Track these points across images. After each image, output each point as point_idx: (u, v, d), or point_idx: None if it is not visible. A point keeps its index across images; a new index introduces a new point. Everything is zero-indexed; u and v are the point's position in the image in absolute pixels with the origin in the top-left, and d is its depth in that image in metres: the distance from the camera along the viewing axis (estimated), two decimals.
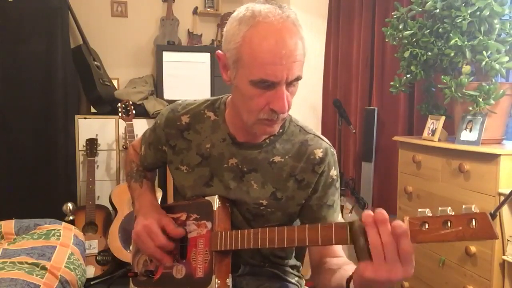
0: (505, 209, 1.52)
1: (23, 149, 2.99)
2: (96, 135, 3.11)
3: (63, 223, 1.77)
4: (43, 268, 1.42)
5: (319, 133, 1.10)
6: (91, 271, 2.64)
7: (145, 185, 1.22)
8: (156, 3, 3.68)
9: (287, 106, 0.90)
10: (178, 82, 3.36)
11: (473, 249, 1.61)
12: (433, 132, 1.90)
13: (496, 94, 1.63)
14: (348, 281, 0.83)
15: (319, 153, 1.05)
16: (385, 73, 2.57)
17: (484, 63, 1.61)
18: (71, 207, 2.87)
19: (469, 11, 1.62)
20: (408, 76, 2.00)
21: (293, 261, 1.22)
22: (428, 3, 1.80)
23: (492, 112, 1.69)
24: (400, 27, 1.97)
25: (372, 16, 2.69)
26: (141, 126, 3.12)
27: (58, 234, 1.65)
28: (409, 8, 1.95)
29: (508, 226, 1.53)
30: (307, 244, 0.83)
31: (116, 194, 2.87)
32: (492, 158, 1.55)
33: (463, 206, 0.67)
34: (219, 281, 0.98)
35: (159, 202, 1.20)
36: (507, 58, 1.60)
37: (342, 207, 2.58)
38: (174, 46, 3.47)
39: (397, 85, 2.05)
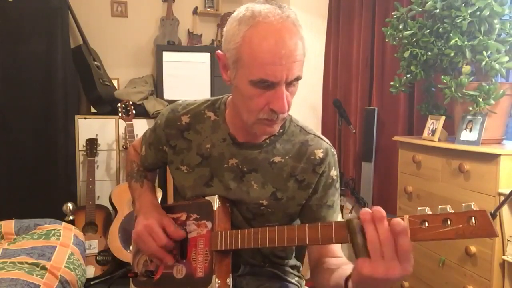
0: (505, 209, 1.52)
1: (23, 149, 2.99)
2: (96, 135, 3.11)
3: (63, 223, 1.77)
4: (43, 268, 1.42)
5: (319, 133, 1.10)
6: (91, 271, 2.64)
7: (146, 185, 1.22)
8: (156, 3, 3.68)
9: (286, 106, 0.90)
10: (178, 82, 3.36)
11: (473, 249, 1.61)
12: (433, 132, 1.90)
13: (496, 94, 1.63)
14: (347, 279, 0.83)
15: (319, 153, 1.05)
16: (385, 73, 2.57)
17: (484, 63, 1.61)
18: (71, 207, 2.87)
19: (469, 11, 1.62)
20: (408, 76, 2.00)
21: (293, 261, 1.22)
22: (428, 3, 1.80)
23: (492, 112, 1.69)
24: (400, 27, 1.97)
25: (372, 16, 2.69)
26: (141, 126, 3.13)
27: (58, 234, 1.65)
28: (409, 8, 1.95)
29: (508, 226, 1.53)
30: (307, 243, 0.83)
31: (116, 194, 2.87)
32: (492, 158, 1.55)
33: (463, 204, 0.67)
34: (219, 281, 0.98)
35: (159, 202, 1.20)
36: (507, 58, 1.61)
37: (342, 207, 2.59)
38: (174, 46, 3.47)
39: (397, 85, 2.05)
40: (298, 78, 0.90)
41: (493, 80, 1.68)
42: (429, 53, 1.85)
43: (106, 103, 3.21)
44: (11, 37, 2.93)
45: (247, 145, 1.05)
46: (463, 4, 1.66)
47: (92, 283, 2.61)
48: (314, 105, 3.29)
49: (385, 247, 0.70)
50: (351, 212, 2.73)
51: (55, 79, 3.02)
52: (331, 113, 3.16)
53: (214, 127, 1.08)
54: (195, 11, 3.73)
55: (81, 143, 3.10)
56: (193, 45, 3.60)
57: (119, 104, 3.00)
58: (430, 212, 0.69)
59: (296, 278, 1.21)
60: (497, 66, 1.59)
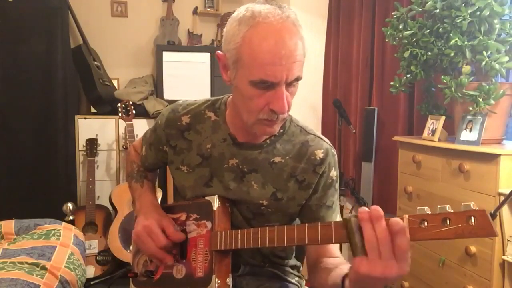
0: (505, 209, 1.52)
1: (23, 149, 2.99)
2: (96, 135, 3.11)
3: (63, 223, 1.77)
4: (43, 268, 1.42)
5: (319, 133, 1.10)
6: (91, 271, 2.64)
7: (146, 185, 1.22)
8: (156, 3, 3.68)
9: (286, 106, 0.89)
10: (178, 82, 3.36)
11: (473, 249, 1.61)
12: (433, 132, 1.90)
13: (496, 94, 1.63)
14: (344, 278, 0.83)
15: (320, 153, 1.05)
16: (385, 73, 2.57)
17: (484, 63, 1.61)
18: (71, 207, 2.87)
19: (469, 11, 1.62)
20: (408, 76, 2.00)
21: (293, 261, 1.22)
22: (428, 3, 1.80)
23: (492, 112, 1.69)
24: (400, 27, 1.97)
25: (372, 16, 2.69)
26: (141, 126, 3.13)
27: (58, 234, 1.65)
28: (409, 8, 1.95)
29: (508, 226, 1.53)
30: (307, 243, 0.83)
31: (116, 194, 2.87)
32: (492, 158, 1.55)
33: (462, 204, 0.67)
34: (219, 281, 0.98)
35: (159, 202, 1.20)
36: (507, 58, 1.61)
37: (342, 207, 2.59)
38: (174, 46, 3.47)
39: (397, 85, 2.05)
40: (298, 79, 0.90)
41: (493, 80, 1.68)
42: (429, 53, 1.85)
43: (106, 103, 3.21)
44: (11, 37, 2.93)
45: (247, 145, 1.05)
46: (463, 4, 1.66)
47: (92, 283, 2.61)
48: (314, 105, 3.30)
49: (382, 246, 0.70)
50: (351, 212, 2.73)
51: (55, 79, 3.02)
52: (331, 113, 3.16)
53: (214, 127, 1.08)
54: (195, 11, 3.73)
55: (81, 143, 3.10)
56: (193, 45, 3.60)
57: (119, 104, 3.00)
58: (429, 212, 0.69)
59: (296, 278, 1.21)
60: (497, 66, 1.60)
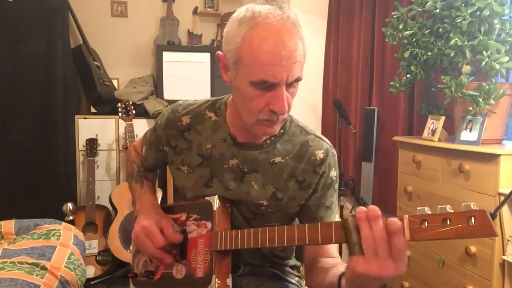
0: (505, 209, 1.52)
1: (23, 149, 2.99)
2: (96, 135, 3.11)
3: (63, 223, 1.77)
4: (43, 268, 1.42)
5: (319, 133, 1.10)
6: (91, 271, 2.64)
7: (146, 185, 1.22)
8: (156, 3, 3.68)
9: (287, 107, 0.89)
10: (178, 82, 3.36)
11: (473, 249, 1.61)
12: (433, 132, 1.90)
13: (496, 94, 1.63)
14: (340, 277, 0.83)
15: (320, 154, 1.05)
16: (385, 73, 2.58)
17: (484, 63, 1.62)
18: (71, 207, 2.87)
19: (469, 11, 1.62)
20: (408, 76, 2.00)
21: (293, 261, 1.22)
22: (428, 3, 1.80)
23: (492, 112, 1.69)
24: (400, 27, 1.97)
25: (372, 16, 2.69)
26: (141, 126, 3.12)
27: (58, 234, 1.65)
28: (409, 8, 1.95)
29: (508, 226, 1.53)
30: (307, 243, 0.83)
31: (116, 194, 2.87)
32: (492, 158, 1.55)
33: (462, 204, 0.67)
34: (219, 281, 0.98)
35: (159, 202, 1.20)
36: (507, 58, 1.61)
37: (342, 207, 2.58)
38: (174, 46, 3.47)
39: (397, 85, 2.05)
40: (298, 79, 0.90)
41: (493, 80, 1.68)
42: (429, 53, 1.85)
43: (106, 103, 3.21)
44: (11, 37, 2.93)
45: (247, 145, 1.05)
46: (463, 4, 1.66)
47: (92, 283, 2.61)
48: (314, 105, 3.30)
49: (379, 246, 0.70)
50: (351, 212, 2.73)
51: (55, 79, 3.02)
52: (331, 113, 3.16)
53: (214, 128, 1.08)
54: (195, 11, 3.73)
55: (81, 143, 3.10)
56: (193, 45, 3.60)
57: (119, 104, 3.00)
58: (429, 212, 0.69)
59: (296, 278, 1.21)
60: (497, 66, 1.60)
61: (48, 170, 3.03)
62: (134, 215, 1.16)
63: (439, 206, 0.69)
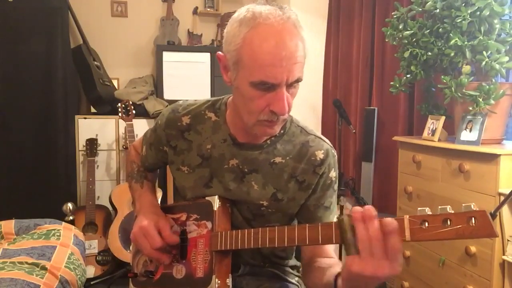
0: (505, 209, 1.52)
1: (23, 149, 2.99)
2: (96, 135, 3.11)
3: (63, 223, 1.77)
4: (43, 268, 1.42)
5: (319, 133, 1.10)
6: (91, 271, 2.64)
7: (146, 185, 1.22)
8: (156, 3, 3.68)
9: (287, 107, 0.89)
10: (178, 82, 3.36)
11: (473, 249, 1.61)
12: (433, 132, 1.90)
13: (496, 94, 1.63)
14: (336, 276, 0.83)
15: (320, 154, 1.05)
16: (385, 73, 2.58)
17: (484, 63, 1.62)
18: (71, 207, 2.87)
19: (469, 11, 1.62)
20: (408, 76, 2.00)
21: (293, 261, 1.22)
22: (428, 3, 1.80)
23: (492, 112, 1.69)
24: (400, 27, 1.97)
25: (372, 16, 2.69)
26: (141, 126, 3.12)
27: (58, 234, 1.65)
28: (409, 8, 1.95)
29: (508, 226, 1.53)
30: (307, 243, 0.83)
31: (116, 194, 2.87)
32: (492, 158, 1.55)
33: (463, 205, 0.67)
34: (219, 281, 0.98)
35: (159, 202, 1.20)
36: (507, 58, 1.61)
37: (342, 207, 2.58)
38: (174, 46, 3.47)
39: (397, 85, 2.05)
40: (298, 80, 0.90)
41: (493, 80, 1.68)
42: (429, 53, 1.85)
43: (106, 103, 3.21)
44: (11, 37, 2.93)
45: (247, 145, 1.05)
46: (463, 4, 1.66)
47: (92, 283, 2.61)
48: (314, 105, 3.30)
49: (374, 246, 0.70)
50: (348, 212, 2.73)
51: (55, 79, 3.02)
52: (331, 113, 3.16)
53: (214, 128, 1.08)
54: (195, 11, 3.73)
55: (81, 143, 3.10)
56: (193, 45, 3.60)
57: (119, 104, 3.00)
58: (430, 212, 0.70)
59: (296, 278, 1.21)
60: (497, 66, 1.60)
61: (48, 170, 3.03)
62: (134, 215, 1.16)
63: (439, 207, 0.69)
